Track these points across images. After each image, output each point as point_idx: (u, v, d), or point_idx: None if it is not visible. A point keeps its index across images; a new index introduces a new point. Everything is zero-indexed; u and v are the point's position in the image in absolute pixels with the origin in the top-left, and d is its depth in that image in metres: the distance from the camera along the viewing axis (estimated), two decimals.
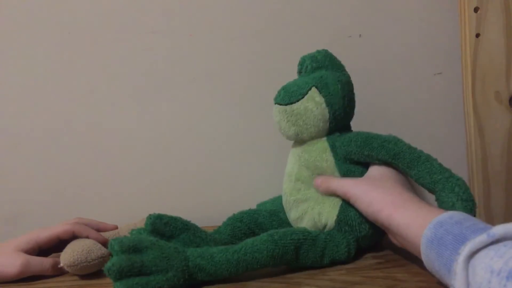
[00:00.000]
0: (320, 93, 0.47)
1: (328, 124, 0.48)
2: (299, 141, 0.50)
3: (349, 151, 0.46)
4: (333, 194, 0.46)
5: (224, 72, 0.66)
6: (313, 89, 0.47)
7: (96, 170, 0.67)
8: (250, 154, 0.68)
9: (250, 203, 0.59)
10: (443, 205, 0.40)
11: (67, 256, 0.44)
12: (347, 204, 0.45)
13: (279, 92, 0.49)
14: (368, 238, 0.45)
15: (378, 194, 0.41)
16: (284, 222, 0.51)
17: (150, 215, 0.43)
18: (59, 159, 0.67)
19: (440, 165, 0.41)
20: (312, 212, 0.47)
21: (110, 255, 0.39)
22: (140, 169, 0.68)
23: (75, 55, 0.65)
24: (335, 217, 0.45)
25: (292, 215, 0.49)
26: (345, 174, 0.47)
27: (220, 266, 0.39)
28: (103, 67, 0.66)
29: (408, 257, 0.44)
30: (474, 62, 0.60)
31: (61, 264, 0.45)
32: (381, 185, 0.42)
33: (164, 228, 0.43)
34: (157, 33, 0.65)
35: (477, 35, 0.60)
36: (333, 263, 0.44)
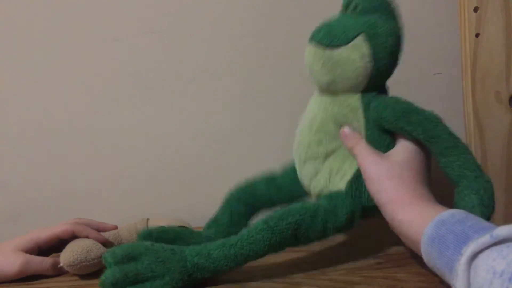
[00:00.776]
0: (369, 43, 0.41)
1: (368, 79, 0.42)
2: (328, 91, 0.44)
3: (383, 117, 0.41)
4: (353, 154, 0.43)
5: (224, 72, 0.66)
6: (361, 36, 0.41)
7: (96, 170, 0.67)
8: (250, 154, 0.68)
9: None
10: (462, 203, 0.38)
11: (67, 256, 0.44)
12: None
13: (319, 28, 0.44)
14: (376, 210, 0.42)
15: (390, 184, 0.39)
16: (281, 186, 0.49)
17: (139, 233, 0.43)
18: (59, 159, 0.67)
19: (474, 161, 0.39)
20: (329, 166, 0.44)
21: None
22: (140, 169, 0.68)
23: (74, 55, 0.65)
24: (349, 178, 0.43)
25: (306, 168, 0.46)
26: (370, 141, 0.43)
27: (219, 263, 0.39)
28: (103, 66, 0.66)
29: (408, 257, 0.44)
30: (474, 62, 0.60)
31: (61, 264, 0.45)
32: (398, 174, 0.40)
33: (155, 242, 0.41)
34: (157, 33, 0.65)
35: (477, 35, 0.60)
36: (339, 232, 0.42)
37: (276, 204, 0.51)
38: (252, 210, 0.48)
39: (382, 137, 0.43)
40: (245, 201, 0.48)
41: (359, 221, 0.43)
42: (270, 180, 0.50)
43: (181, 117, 0.67)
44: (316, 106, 0.46)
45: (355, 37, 0.41)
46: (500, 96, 0.61)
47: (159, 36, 0.65)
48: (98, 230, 0.52)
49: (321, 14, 0.65)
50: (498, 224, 0.30)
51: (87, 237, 0.48)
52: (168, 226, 0.47)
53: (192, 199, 0.69)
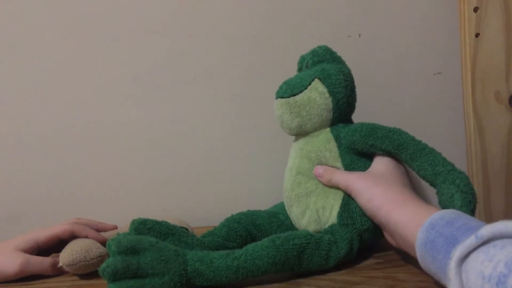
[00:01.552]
0: (323, 83, 0.47)
1: (331, 114, 0.48)
2: (301, 134, 0.50)
3: (354, 140, 0.46)
4: (334, 186, 0.46)
5: (224, 72, 0.66)
6: (316, 80, 0.47)
7: (96, 170, 0.67)
8: (250, 154, 0.68)
9: (250, 203, 0.59)
10: (443, 197, 0.39)
11: (66, 255, 0.44)
12: (349, 197, 0.45)
13: (280, 87, 0.49)
14: (370, 232, 0.45)
15: (379, 190, 0.41)
16: (283, 224, 0.51)
17: (134, 220, 0.42)
18: (59, 159, 0.67)
19: (443, 158, 0.41)
20: (315, 206, 0.47)
21: (108, 255, 0.38)
22: (140, 168, 0.68)
23: (74, 55, 0.65)
24: (338, 209, 0.45)
25: (294, 210, 0.49)
26: (348, 165, 0.47)
27: (219, 272, 0.38)
28: (103, 67, 0.66)
29: (408, 257, 0.44)
30: (474, 62, 0.60)
31: (60, 264, 0.45)
32: (384, 181, 0.42)
33: (148, 233, 0.42)
34: (157, 33, 0.65)
35: (477, 35, 0.60)
36: (338, 264, 0.43)
37: None
38: (249, 236, 0.48)
39: (358, 160, 0.47)
40: (244, 226, 0.49)
41: (357, 249, 0.44)
42: (273, 214, 0.52)
43: (181, 117, 0.67)
44: (294, 152, 0.51)
45: (311, 82, 0.47)
46: (500, 96, 0.61)
47: (159, 36, 0.65)
48: (98, 230, 0.52)
49: (321, 14, 0.66)
50: None
51: (86, 237, 0.49)
52: (163, 221, 0.46)
53: (192, 199, 0.69)
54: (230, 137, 0.68)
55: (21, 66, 0.65)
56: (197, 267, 0.38)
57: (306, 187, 0.48)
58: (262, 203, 0.59)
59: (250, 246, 0.40)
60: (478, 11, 0.59)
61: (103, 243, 0.48)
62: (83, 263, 0.44)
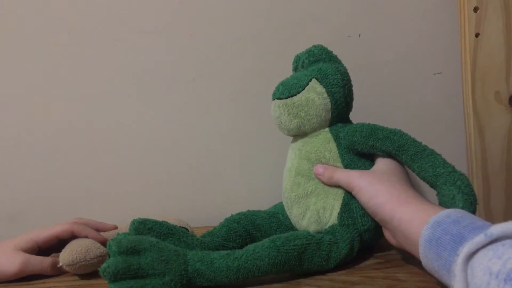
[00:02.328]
0: (321, 83, 0.47)
1: (330, 114, 0.48)
2: (300, 135, 0.50)
3: (354, 141, 0.46)
4: (335, 184, 0.45)
5: (224, 72, 0.66)
6: (313, 80, 0.47)
7: (95, 170, 0.67)
8: (250, 154, 0.68)
9: (250, 203, 0.59)
10: (444, 198, 0.39)
11: (66, 255, 0.44)
12: (349, 196, 0.45)
13: (277, 87, 0.49)
14: (371, 232, 0.45)
15: (383, 187, 0.41)
16: (283, 224, 0.51)
17: (134, 220, 0.42)
18: (59, 159, 0.67)
19: (443, 160, 0.41)
20: (315, 207, 0.46)
21: (108, 255, 0.38)
22: (140, 168, 0.68)
23: (74, 55, 0.65)
24: (338, 210, 0.45)
25: (294, 212, 0.49)
26: (348, 165, 0.47)
27: (220, 273, 0.38)
28: (103, 67, 0.66)
29: (408, 257, 0.44)
30: (474, 61, 0.60)
31: (60, 263, 0.45)
32: (387, 179, 0.42)
33: (148, 233, 0.41)
34: (157, 33, 0.65)
35: (477, 35, 0.60)
36: (339, 265, 0.43)
37: None
38: (249, 236, 0.48)
39: (358, 160, 0.47)
40: (244, 226, 0.48)
41: (358, 249, 0.44)
42: (272, 215, 0.51)
43: (181, 117, 0.67)
44: (292, 153, 0.51)
45: (308, 82, 0.47)
46: (500, 96, 0.61)
47: (159, 36, 0.65)
48: (98, 230, 0.52)
49: (321, 14, 0.66)
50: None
51: (86, 237, 0.48)
52: (163, 221, 0.46)
53: (192, 199, 0.69)
54: (230, 137, 0.68)
55: (21, 66, 0.65)
56: (198, 267, 0.38)
57: (306, 188, 0.47)
58: (262, 203, 0.59)
59: (250, 247, 0.40)
60: (478, 11, 0.59)
61: (103, 243, 0.48)
62: (83, 263, 0.44)
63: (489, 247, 0.28)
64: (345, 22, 0.66)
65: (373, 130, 0.45)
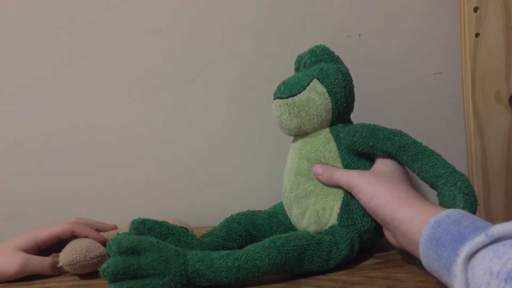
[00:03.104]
0: (322, 83, 0.47)
1: (331, 114, 0.48)
2: (300, 134, 0.50)
3: (354, 141, 0.46)
4: (335, 184, 0.45)
5: (224, 72, 0.67)
6: (315, 80, 0.47)
7: (95, 170, 0.67)
8: (250, 154, 0.68)
9: (250, 203, 0.59)
10: (444, 198, 0.39)
11: (66, 255, 0.44)
12: (349, 197, 0.45)
13: (278, 87, 0.49)
14: (371, 232, 0.45)
15: (383, 187, 0.41)
16: (283, 224, 0.51)
17: (133, 220, 0.42)
18: (59, 159, 0.67)
19: (444, 160, 0.41)
20: (314, 208, 0.46)
21: (108, 255, 0.38)
22: (140, 168, 0.68)
23: (74, 55, 0.65)
24: (338, 211, 0.45)
25: (293, 211, 0.49)
26: (348, 165, 0.47)
27: (220, 273, 0.38)
28: (103, 67, 0.66)
29: (408, 257, 0.44)
30: (474, 61, 0.60)
31: (60, 263, 0.45)
32: (387, 180, 0.42)
33: (148, 233, 0.41)
34: (157, 33, 0.65)
35: (477, 35, 0.60)
36: (339, 265, 0.43)
37: None
38: (249, 236, 0.48)
39: (358, 160, 0.47)
40: (244, 226, 0.48)
41: (358, 249, 0.44)
42: (272, 214, 0.52)
43: (181, 117, 0.67)
44: (292, 153, 0.51)
45: (309, 82, 0.47)
46: (500, 96, 0.61)
47: (159, 36, 0.65)
48: (98, 230, 0.52)
49: (321, 14, 0.66)
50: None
51: (86, 237, 0.49)
52: (163, 221, 0.46)
53: (192, 199, 0.69)
54: (230, 137, 0.68)
55: (21, 66, 0.65)
56: (198, 267, 0.38)
57: (305, 188, 0.47)
58: (262, 203, 0.59)
59: (250, 247, 0.40)
60: (478, 11, 0.59)
61: (103, 243, 0.48)
62: (83, 263, 0.44)
63: (490, 247, 0.28)
64: (345, 22, 0.66)
65: (373, 130, 0.45)
